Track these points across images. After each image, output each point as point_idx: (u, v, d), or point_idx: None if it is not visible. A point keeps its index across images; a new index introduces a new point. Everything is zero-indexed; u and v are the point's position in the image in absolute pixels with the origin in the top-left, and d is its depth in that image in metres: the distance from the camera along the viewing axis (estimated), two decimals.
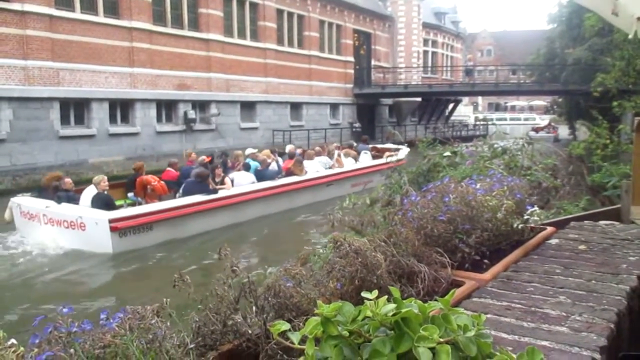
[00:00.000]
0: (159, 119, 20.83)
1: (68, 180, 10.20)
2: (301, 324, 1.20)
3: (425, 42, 42.17)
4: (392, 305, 0.84)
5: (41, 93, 16.59)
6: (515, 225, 1.94)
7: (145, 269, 8.62)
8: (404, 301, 0.86)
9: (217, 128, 23.13)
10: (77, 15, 17.87)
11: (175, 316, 1.19)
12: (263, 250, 9.81)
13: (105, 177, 9.80)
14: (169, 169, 11.89)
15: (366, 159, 15.48)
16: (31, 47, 16.39)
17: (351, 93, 33.11)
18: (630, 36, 5.17)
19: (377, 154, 16.10)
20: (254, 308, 1.30)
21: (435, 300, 0.94)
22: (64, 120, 17.56)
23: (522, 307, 1.39)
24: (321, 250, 5.34)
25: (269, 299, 1.32)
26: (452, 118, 46.11)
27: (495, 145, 9.51)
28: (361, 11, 34.21)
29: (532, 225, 2.12)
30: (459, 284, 1.59)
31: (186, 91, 21.83)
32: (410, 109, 37.41)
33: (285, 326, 0.88)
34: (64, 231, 8.99)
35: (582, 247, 1.91)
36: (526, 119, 64.34)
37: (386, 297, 0.87)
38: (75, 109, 18.03)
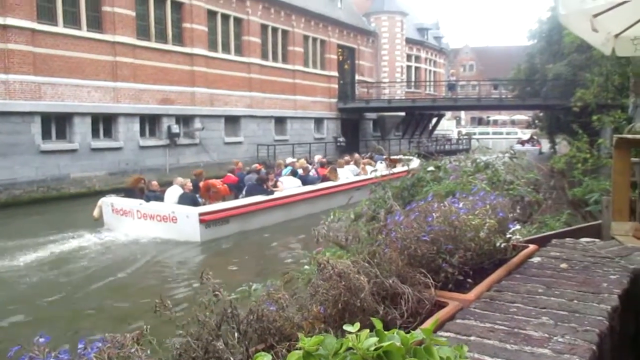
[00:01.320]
0: (142, 134, 20.71)
1: (155, 182, 12.51)
2: (284, 350, 1.19)
3: (409, 57, 42.64)
4: (374, 339, 0.83)
5: (22, 107, 16.42)
6: (498, 244, 1.95)
7: (225, 253, 10.49)
8: (386, 332, 0.85)
9: (201, 142, 23.05)
10: (60, 29, 17.78)
11: (155, 343, 1.17)
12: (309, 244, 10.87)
13: (189, 180, 12.07)
14: (229, 174, 13.74)
15: (382, 168, 16.50)
16: (12, 61, 16.24)
17: (335, 107, 33.27)
18: (607, 53, 5.29)
19: (391, 163, 17.83)
20: (236, 334, 1.28)
21: (419, 325, 0.93)
22: (46, 134, 17.37)
23: (505, 328, 1.39)
24: (306, 267, 5.32)
25: (252, 323, 1.31)
26: (436, 132, 46.56)
27: (478, 160, 9.61)
28: (345, 27, 34.53)
29: (515, 243, 2.13)
30: (442, 305, 1.59)
31: (170, 105, 21.77)
32: (394, 124, 37.68)
33: (267, 358, 0.87)
34: (156, 224, 10.85)
35: (563, 265, 1.92)
36: (508, 133, 65.19)
37: (368, 330, 0.86)
38: (57, 123, 17.87)
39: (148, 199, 11.40)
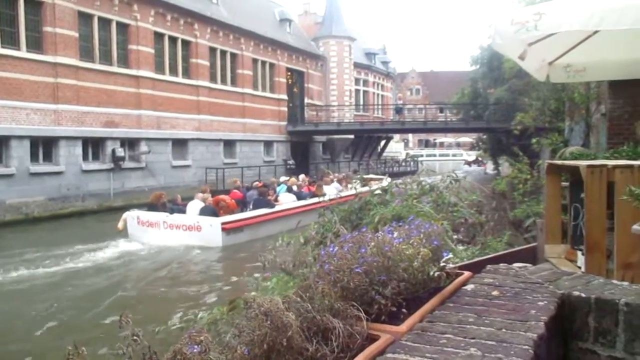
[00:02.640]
0: (85, 157, 20.08)
1: (179, 197, 14.67)
2: None
3: (357, 81, 43.43)
4: None
5: None
6: (432, 273, 1.97)
7: (241, 254, 11.89)
8: None
9: (147, 166, 22.55)
10: None
11: None
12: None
13: (209, 196, 13.89)
14: (234, 190, 15.57)
15: (357, 187, 19.17)
16: None
17: (285, 130, 33.36)
18: (542, 79, 5.53)
19: (365, 182, 20.19)
20: None
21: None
22: None
23: None
24: (253, 293, 5.22)
25: None
26: (384, 154, 47.33)
27: (424, 183, 9.80)
28: (294, 50, 34.87)
29: (449, 270, 2.15)
30: (374, 338, 1.57)
31: (114, 128, 21.24)
32: (344, 146, 38.10)
33: None
34: (182, 232, 12.60)
35: (495, 292, 1.95)
36: (454, 155, 67.14)
37: None
38: None
39: (172, 212, 13.28)
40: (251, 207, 14.16)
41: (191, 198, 14.17)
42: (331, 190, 15.48)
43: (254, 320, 1.34)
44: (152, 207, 13.74)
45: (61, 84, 19.01)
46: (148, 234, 13.02)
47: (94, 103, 20.37)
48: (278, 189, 16.36)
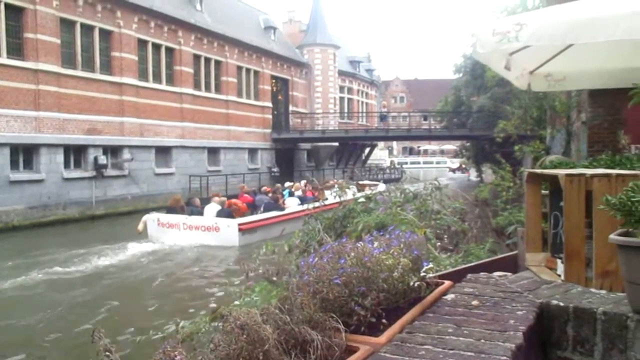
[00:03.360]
0: (66, 165, 19.83)
1: (197, 200, 15.68)
2: None
3: (341, 88, 43.59)
4: None
5: None
6: (412, 283, 1.96)
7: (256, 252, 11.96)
8: None
9: (130, 174, 22.34)
10: None
11: None
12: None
13: (226, 198, 15.19)
14: (245, 195, 16.70)
15: (354, 191, 20.83)
16: None
17: (269, 138, 33.32)
18: (524, 88, 5.60)
19: (360, 188, 21.21)
20: None
21: None
22: None
23: None
24: (236, 302, 5.18)
25: None
26: (369, 162, 47.47)
27: (407, 191, 9.83)
28: (278, 58, 34.91)
29: (429, 280, 2.15)
30: (353, 350, 1.56)
31: (97, 136, 21.04)
32: (328, 154, 38.15)
33: None
34: (201, 233, 13.57)
35: (475, 302, 1.96)
36: (438, 162, 67.61)
37: None
38: None
39: (191, 214, 14.27)
40: (262, 209, 15.24)
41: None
42: (332, 195, 16.69)
43: (230, 334, 1.33)
44: (170, 209, 14.72)
45: (42, 91, 18.79)
46: (168, 234, 13.98)
47: (76, 110, 20.16)
48: (286, 193, 17.76)
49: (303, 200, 16.42)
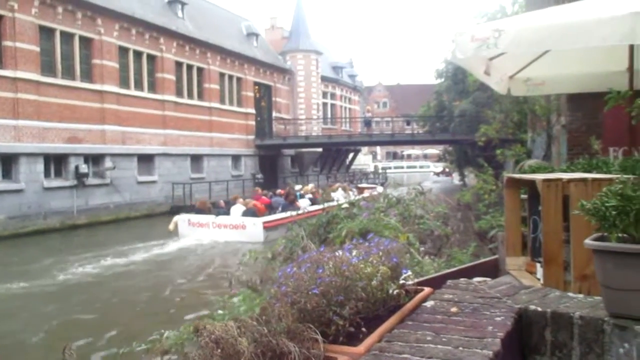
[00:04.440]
0: (47, 174, 19.56)
1: (222, 202, 17.84)
2: None
3: (325, 94, 43.67)
4: None
5: None
6: (391, 291, 1.96)
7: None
8: None
9: (112, 182, 22.11)
10: None
11: None
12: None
13: (250, 200, 16.85)
14: (263, 197, 18.22)
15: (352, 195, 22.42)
16: None
17: (253, 144, 33.25)
18: (503, 92, 5.66)
19: (360, 190, 23.15)
20: None
21: None
22: None
23: None
24: (220, 311, 5.14)
25: None
26: (353, 167, 47.57)
27: (390, 196, 9.86)
28: (261, 64, 34.89)
29: (409, 287, 2.15)
30: None
31: (78, 144, 20.80)
32: (312, 159, 38.16)
33: None
34: (229, 231, 15.11)
35: (454, 309, 1.96)
36: (421, 167, 68.00)
37: None
38: None
39: (218, 214, 16.03)
40: (280, 210, 16.64)
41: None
42: (337, 196, 18.17)
43: (205, 348, 1.31)
44: (199, 211, 16.75)
45: (21, 99, 18.54)
46: (198, 233, 15.62)
47: (56, 118, 19.92)
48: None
49: (313, 201, 17.61)
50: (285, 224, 15.22)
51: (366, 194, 15.14)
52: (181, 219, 16.31)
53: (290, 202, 17.29)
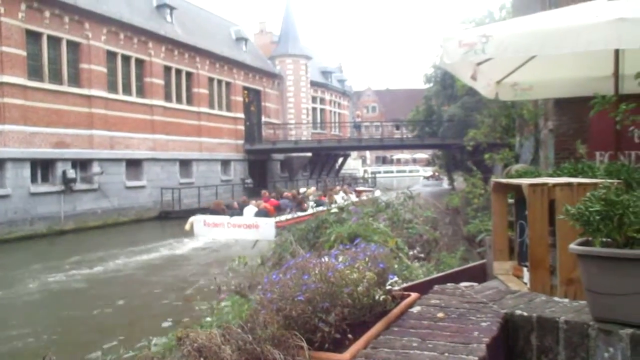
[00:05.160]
0: (33, 180, 19.37)
1: (235, 204, 19.02)
2: None
3: (314, 99, 43.70)
4: None
5: None
6: (377, 297, 1.95)
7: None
8: None
9: (100, 187, 21.94)
10: None
11: None
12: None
13: (263, 202, 18.09)
14: (271, 199, 19.39)
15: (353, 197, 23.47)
16: None
17: (242, 149, 33.17)
18: (491, 97, 5.69)
19: (358, 194, 24.24)
20: None
21: None
22: None
23: None
24: (208, 319, 5.11)
25: None
26: (343, 171, 47.62)
27: (379, 201, 9.87)
28: (250, 69, 34.85)
29: (395, 293, 2.14)
30: None
31: (65, 149, 20.62)
32: (302, 164, 38.15)
33: None
34: (243, 230, 16.08)
35: (440, 314, 1.95)
36: (411, 171, 68.23)
37: None
38: None
39: (232, 215, 17.33)
40: (288, 211, 17.93)
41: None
42: (339, 198, 20.12)
43: (187, 357, 1.29)
44: (213, 212, 18.06)
45: (7, 104, 18.36)
46: (214, 232, 16.92)
47: (43, 123, 19.76)
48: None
49: (319, 203, 18.75)
50: (295, 223, 16.07)
51: (364, 197, 16.41)
52: (197, 220, 17.59)
53: (298, 203, 18.87)
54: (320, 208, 18.14)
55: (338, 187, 24.82)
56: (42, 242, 17.59)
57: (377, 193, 21.76)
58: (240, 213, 17.48)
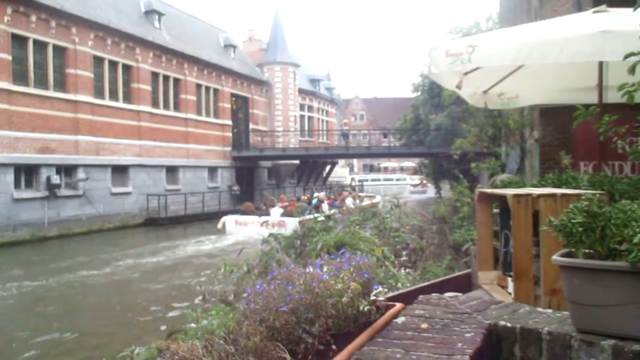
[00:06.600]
0: (17, 185, 19.13)
1: (263, 205, 21.66)
2: None
3: (302, 107, 43.73)
4: None
5: None
6: (362, 308, 1.94)
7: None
8: None
9: (85, 194, 21.71)
10: None
11: None
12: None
13: (287, 203, 21.12)
14: (291, 201, 22.15)
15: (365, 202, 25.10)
16: None
17: (230, 156, 33.06)
18: (481, 106, 5.73)
19: (360, 200, 25.90)
20: None
21: None
22: None
23: None
24: (192, 325, 5.06)
25: None
26: (330, 179, 47.62)
27: (366, 209, 9.88)
28: (238, 76, 34.81)
29: (380, 304, 2.14)
30: None
31: (50, 155, 20.41)
32: (289, 172, 38.10)
33: None
34: (271, 228, 15.85)
35: (424, 325, 1.95)
36: (398, 179, 68.48)
37: None
38: None
39: (260, 215, 19.85)
40: (308, 212, 19.35)
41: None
42: (349, 202, 22.10)
43: None
44: (244, 212, 20.82)
45: None
46: (244, 230, 19.12)
47: (28, 128, 19.55)
48: (314, 201, 22.59)
49: (333, 206, 20.71)
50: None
51: (366, 202, 18.02)
52: (229, 219, 20.24)
53: (318, 205, 21.03)
54: (333, 211, 19.63)
55: (346, 193, 27.02)
56: (24, 248, 17.35)
57: (379, 198, 23.69)
58: (267, 213, 19.75)
